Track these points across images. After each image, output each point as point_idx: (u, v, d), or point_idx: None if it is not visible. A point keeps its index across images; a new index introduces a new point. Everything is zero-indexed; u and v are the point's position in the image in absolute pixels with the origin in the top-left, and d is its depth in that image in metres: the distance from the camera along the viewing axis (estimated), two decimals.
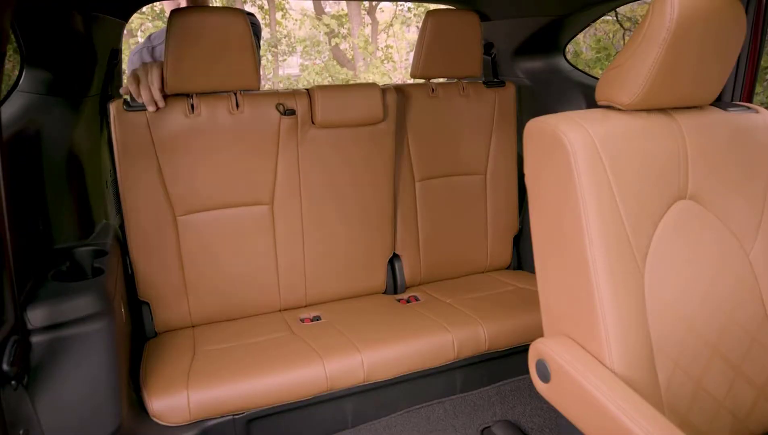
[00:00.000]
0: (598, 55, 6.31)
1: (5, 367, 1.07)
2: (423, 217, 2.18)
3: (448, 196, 2.22)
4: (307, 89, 1.92)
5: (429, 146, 2.17)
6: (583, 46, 6.39)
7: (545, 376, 1.08)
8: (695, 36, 1.03)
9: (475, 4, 2.39)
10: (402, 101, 2.09)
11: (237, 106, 1.77)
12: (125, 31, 2.21)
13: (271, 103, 1.82)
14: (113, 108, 1.64)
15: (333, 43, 9.26)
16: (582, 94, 2.19)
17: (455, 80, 2.20)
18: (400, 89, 2.10)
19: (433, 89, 2.15)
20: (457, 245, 2.26)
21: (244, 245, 1.88)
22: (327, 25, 8.81)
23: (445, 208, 2.22)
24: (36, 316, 1.25)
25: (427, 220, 2.18)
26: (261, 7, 8.43)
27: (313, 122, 1.89)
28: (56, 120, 1.59)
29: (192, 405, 1.52)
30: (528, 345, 1.14)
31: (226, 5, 7.68)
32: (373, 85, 1.97)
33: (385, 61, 8.37)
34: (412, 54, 8.51)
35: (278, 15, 8.44)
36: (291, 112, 1.83)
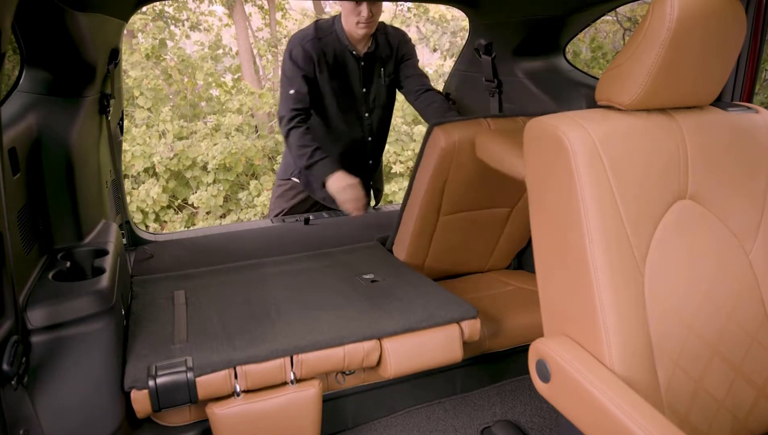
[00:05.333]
0: (594, 54, 6.31)
1: (5, 367, 1.07)
2: (437, 240, 2.12)
3: (467, 226, 2.13)
4: None
5: (466, 186, 1.98)
6: (582, 46, 6.39)
7: (545, 376, 1.08)
8: (695, 36, 1.02)
9: (475, 4, 2.39)
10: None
11: None
12: (125, 31, 2.20)
13: None
14: None
15: None
16: (582, 94, 2.19)
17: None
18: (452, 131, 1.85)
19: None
20: (462, 255, 2.25)
21: None
22: None
23: (460, 235, 2.15)
24: (36, 316, 1.25)
25: (439, 243, 2.13)
26: (261, 7, 8.42)
27: None
28: (56, 120, 1.59)
29: (192, 405, 1.52)
30: (528, 345, 1.14)
31: (225, 5, 7.67)
32: None
33: None
34: None
35: (278, 15, 8.43)
36: None
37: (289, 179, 2.69)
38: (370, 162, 2.62)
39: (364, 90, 2.44)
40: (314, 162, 2.23)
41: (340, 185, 2.19)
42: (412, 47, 2.57)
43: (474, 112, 2.74)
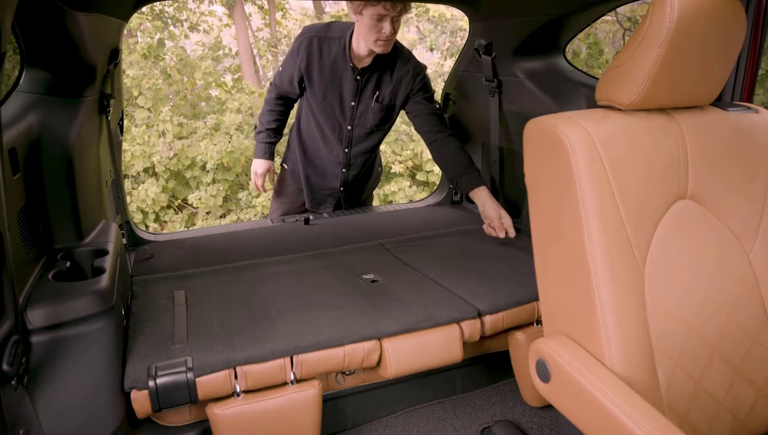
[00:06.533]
0: (590, 51, 6.31)
1: (5, 367, 1.07)
2: None
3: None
4: None
5: None
6: (582, 45, 6.39)
7: (545, 376, 1.08)
8: (695, 36, 1.02)
9: (475, 4, 2.38)
10: None
11: None
12: (125, 31, 2.20)
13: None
14: None
15: None
16: (582, 94, 2.19)
17: None
18: None
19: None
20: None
21: None
22: None
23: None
24: (36, 316, 1.25)
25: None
26: (261, 7, 8.42)
27: None
28: (56, 120, 1.59)
29: (192, 405, 1.52)
30: None
31: (225, 5, 7.68)
32: None
33: None
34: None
35: (278, 15, 8.43)
36: None
37: (282, 166, 2.79)
38: (343, 170, 2.59)
39: (353, 103, 2.41)
40: (258, 138, 2.64)
41: (253, 169, 2.67)
42: (425, 84, 2.43)
43: (474, 112, 2.74)
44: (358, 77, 2.36)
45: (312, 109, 2.49)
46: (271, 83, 2.60)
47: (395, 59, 2.38)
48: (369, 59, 2.33)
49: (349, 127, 2.47)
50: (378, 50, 2.24)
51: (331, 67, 2.35)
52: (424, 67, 2.45)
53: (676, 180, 1.11)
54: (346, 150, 2.52)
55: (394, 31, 2.19)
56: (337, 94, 2.39)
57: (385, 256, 2.17)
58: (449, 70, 3.04)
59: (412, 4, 3.17)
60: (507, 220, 2.24)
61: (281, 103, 2.60)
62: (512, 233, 2.24)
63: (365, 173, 2.67)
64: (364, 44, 2.26)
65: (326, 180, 2.63)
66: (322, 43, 2.34)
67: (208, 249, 2.31)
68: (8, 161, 1.32)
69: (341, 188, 2.64)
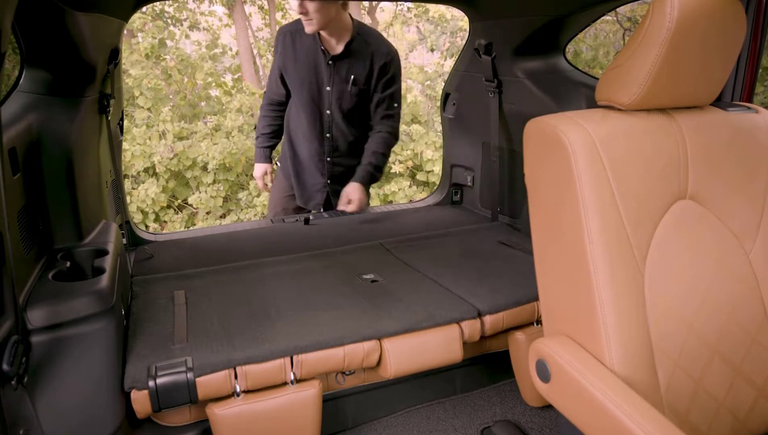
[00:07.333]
0: (593, 52, 6.30)
1: (5, 367, 1.07)
2: None
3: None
4: None
5: None
6: (583, 45, 6.38)
7: (545, 376, 1.08)
8: (695, 36, 1.02)
9: (475, 4, 2.38)
10: None
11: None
12: (125, 31, 2.20)
13: None
14: None
15: None
16: (582, 94, 2.19)
17: None
18: None
19: None
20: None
21: None
22: None
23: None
24: (36, 316, 1.25)
25: None
26: (261, 8, 8.42)
27: None
28: (56, 120, 1.59)
29: (192, 405, 1.52)
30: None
31: (225, 5, 7.67)
32: None
33: None
34: (412, 54, 8.50)
35: (278, 15, 8.43)
36: None
37: (276, 164, 2.89)
38: (329, 159, 2.63)
39: (328, 88, 2.49)
40: (256, 143, 2.78)
41: (254, 173, 2.81)
42: (396, 74, 2.52)
43: (474, 112, 2.74)
44: (330, 62, 2.44)
45: (295, 102, 2.59)
46: (264, 93, 2.76)
47: (368, 45, 2.45)
48: (340, 46, 2.42)
49: (328, 112, 2.53)
50: (306, 29, 2.34)
51: (306, 57, 2.47)
52: (396, 53, 2.53)
53: (676, 180, 1.11)
54: (328, 135, 2.58)
55: (308, 10, 2.28)
56: (314, 80, 2.49)
57: (385, 256, 2.17)
58: (449, 70, 3.04)
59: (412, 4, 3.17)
60: (352, 206, 2.53)
61: (273, 108, 2.72)
62: (351, 209, 2.53)
63: (353, 167, 2.68)
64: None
65: (313, 173, 2.67)
66: (294, 36, 2.48)
67: (208, 249, 2.31)
68: (8, 161, 1.32)
69: (328, 181, 2.67)
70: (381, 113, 2.55)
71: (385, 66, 2.47)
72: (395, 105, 2.57)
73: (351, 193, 2.53)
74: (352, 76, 2.46)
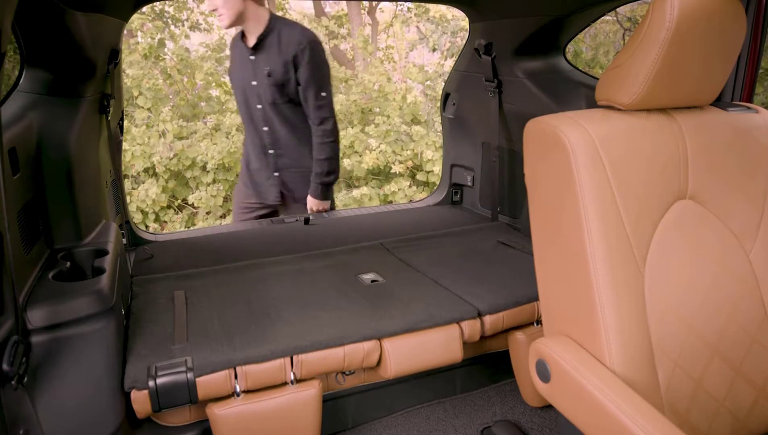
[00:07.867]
0: (593, 52, 6.30)
1: (5, 367, 1.07)
2: None
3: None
4: None
5: None
6: (583, 46, 6.38)
7: (545, 376, 1.08)
8: (695, 36, 1.02)
9: (475, 4, 2.38)
10: None
11: None
12: (125, 31, 2.20)
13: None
14: None
15: (332, 44, 9.27)
16: (582, 94, 2.19)
17: None
18: None
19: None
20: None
21: None
22: (326, 27, 8.87)
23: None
24: (36, 316, 1.25)
25: None
26: None
27: None
28: (56, 120, 1.59)
29: (192, 405, 1.52)
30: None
31: None
32: None
33: (385, 62, 8.39)
34: (411, 54, 8.49)
35: (278, 15, 8.44)
36: None
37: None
38: (271, 151, 2.62)
39: (254, 83, 2.52)
40: None
41: None
42: (313, 63, 2.43)
43: (474, 112, 2.74)
44: (251, 57, 2.49)
45: (237, 100, 2.68)
46: None
47: (280, 37, 2.45)
48: (253, 38, 2.46)
49: (258, 106, 2.56)
50: (220, 24, 2.47)
51: (239, 55, 2.56)
52: (312, 42, 2.45)
53: (676, 180, 1.11)
54: (265, 128, 2.60)
55: (216, 5, 2.31)
56: (243, 76, 2.55)
57: (385, 256, 2.17)
58: (449, 70, 3.04)
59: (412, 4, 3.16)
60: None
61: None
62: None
63: (301, 158, 2.65)
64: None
65: (260, 166, 2.68)
66: (236, 38, 2.58)
67: (208, 249, 2.31)
68: (8, 161, 1.32)
69: (275, 173, 2.65)
70: (312, 104, 2.50)
71: (297, 56, 2.42)
72: (322, 94, 2.52)
73: (310, 205, 2.63)
74: (267, 68, 2.46)
